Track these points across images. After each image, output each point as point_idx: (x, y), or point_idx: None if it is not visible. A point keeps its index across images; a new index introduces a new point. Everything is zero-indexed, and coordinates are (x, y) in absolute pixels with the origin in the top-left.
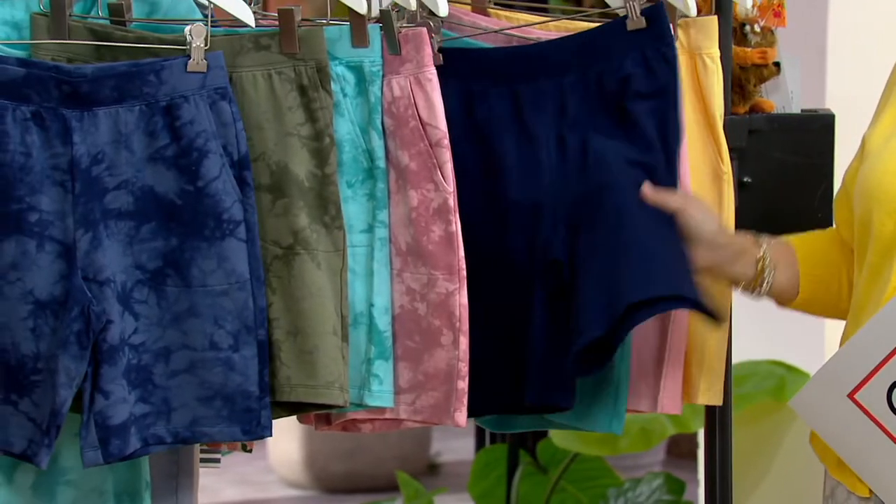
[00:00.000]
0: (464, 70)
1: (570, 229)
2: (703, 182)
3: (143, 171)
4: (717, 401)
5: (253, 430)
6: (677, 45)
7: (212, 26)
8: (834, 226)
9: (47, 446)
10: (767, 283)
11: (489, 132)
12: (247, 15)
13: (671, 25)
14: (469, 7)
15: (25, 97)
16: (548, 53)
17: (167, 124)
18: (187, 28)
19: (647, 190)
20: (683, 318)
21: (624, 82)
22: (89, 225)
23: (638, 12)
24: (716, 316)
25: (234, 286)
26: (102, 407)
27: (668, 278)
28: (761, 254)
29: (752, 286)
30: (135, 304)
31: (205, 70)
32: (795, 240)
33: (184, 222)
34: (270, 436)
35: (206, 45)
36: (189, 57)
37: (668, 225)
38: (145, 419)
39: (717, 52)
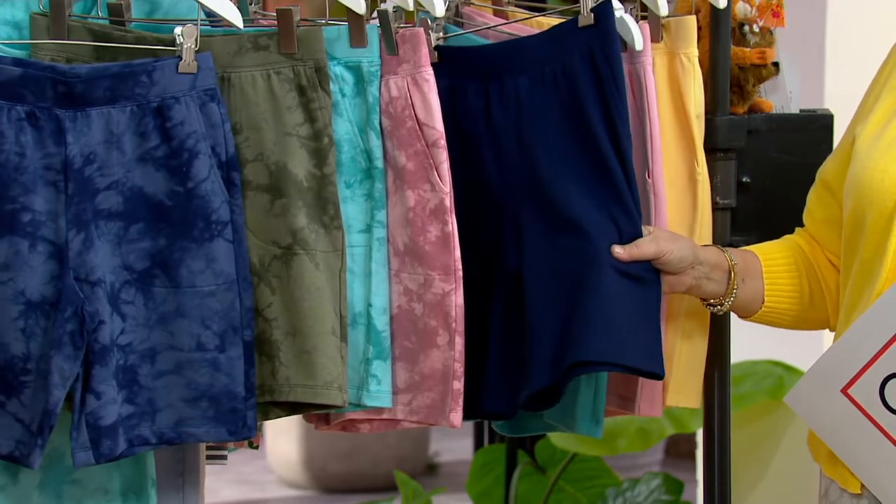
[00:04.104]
0: (451, 67)
1: (523, 238)
2: (679, 184)
3: (132, 171)
4: (690, 403)
5: (238, 431)
6: (661, 45)
7: (211, 26)
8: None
9: (39, 447)
10: (734, 294)
11: (467, 130)
12: (235, 16)
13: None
14: (490, 10)
15: (20, 97)
16: (512, 52)
17: (158, 125)
18: (178, 29)
19: (619, 251)
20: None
21: (573, 78)
22: (81, 225)
23: (588, 8)
24: (658, 375)
25: (221, 287)
26: (94, 408)
27: (612, 343)
28: (731, 264)
29: (721, 298)
30: (122, 304)
31: (195, 71)
32: (762, 250)
33: (173, 223)
34: (255, 436)
35: (196, 46)
36: (180, 58)
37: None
38: (130, 420)
39: (695, 52)
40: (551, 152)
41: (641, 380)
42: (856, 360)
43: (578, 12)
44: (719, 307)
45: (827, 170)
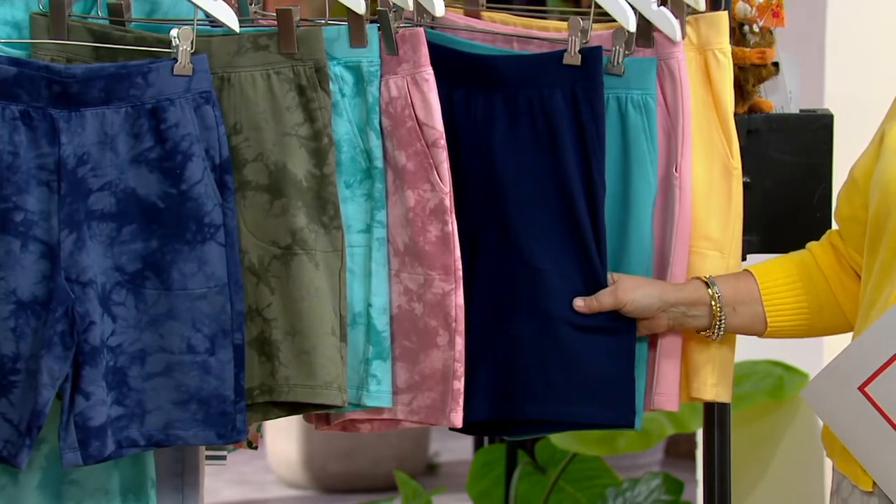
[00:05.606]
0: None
1: (476, 260)
2: (714, 178)
3: (126, 172)
4: (726, 398)
5: (228, 434)
6: (686, 42)
7: (211, 26)
8: (833, 225)
9: (28, 447)
10: (722, 325)
11: None
12: (231, 19)
13: (660, 48)
14: (461, 11)
15: (15, 96)
16: (486, 65)
17: (152, 127)
18: (174, 31)
19: (579, 304)
20: None
21: (551, 116)
22: (74, 226)
23: (577, 48)
24: (627, 427)
25: (212, 290)
26: (83, 408)
27: (570, 400)
28: (713, 295)
29: (709, 331)
30: (113, 305)
31: (190, 73)
32: (760, 272)
33: (165, 225)
34: (245, 440)
35: (192, 48)
36: (176, 60)
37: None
38: (119, 421)
39: (728, 47)
40: (520, 185)
41: (657, 373)
42: (874, 358)
43: (579, 14)
44: (711, 336)
45: (856, 166)
